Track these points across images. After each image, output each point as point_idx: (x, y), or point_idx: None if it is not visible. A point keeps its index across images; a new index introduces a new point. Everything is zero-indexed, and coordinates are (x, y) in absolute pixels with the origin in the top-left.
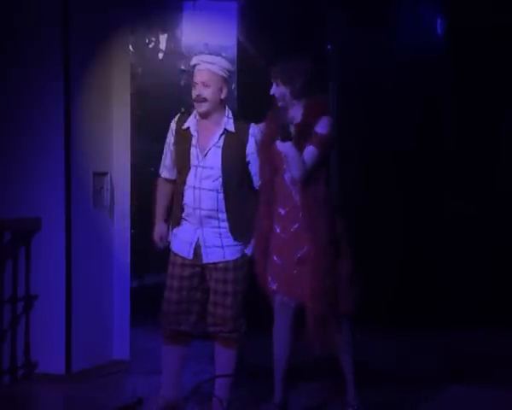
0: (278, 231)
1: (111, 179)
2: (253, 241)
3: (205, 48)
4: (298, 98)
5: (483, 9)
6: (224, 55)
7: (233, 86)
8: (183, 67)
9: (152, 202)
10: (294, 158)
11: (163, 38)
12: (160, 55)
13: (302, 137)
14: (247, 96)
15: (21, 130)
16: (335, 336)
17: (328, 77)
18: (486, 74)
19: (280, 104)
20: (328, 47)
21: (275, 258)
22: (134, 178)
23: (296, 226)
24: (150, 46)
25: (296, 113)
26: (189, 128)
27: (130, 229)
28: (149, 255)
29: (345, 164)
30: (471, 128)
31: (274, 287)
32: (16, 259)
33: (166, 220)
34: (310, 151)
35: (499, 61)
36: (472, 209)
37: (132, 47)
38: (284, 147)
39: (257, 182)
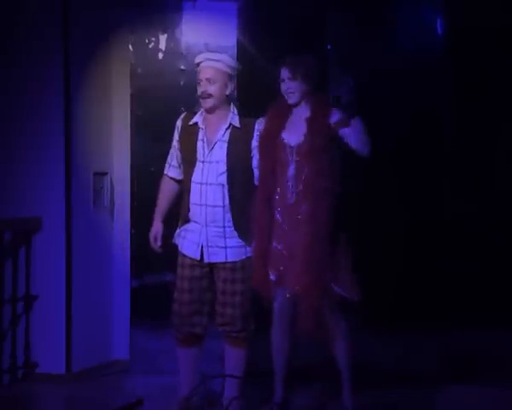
0: (280, 219)
1: (111, 179)
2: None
3: (205, 48)
4: (310, 96)
5: (483, 9)
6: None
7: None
8: (183, 67)
9: (152, 201)
10: (363, 130)
11: (163, 38)
12: (160, 55)
13: (316, 131)
14: (247, 96)
15: (21, 130)
16: (331, 329)
17: (328, 77)
18: (487, 74)
19: (292, 101)
20: (328, 47)
21: (276, 247)
22: (134, 178)
23: (299, 217)
24: (150, 46)
25: (304, 109)
26: (196, 123)
27: (130, 229)
28: (149, 255)
29: (344, 164)
30: (471, 128)
31: (273, 278)
32: (16, 259)
33: (164, 221)
34: (358, 121)
35: (499, 61)
36: (472, 209)
37: (132, 47)
38: (356, 122)
39: (257, 176)
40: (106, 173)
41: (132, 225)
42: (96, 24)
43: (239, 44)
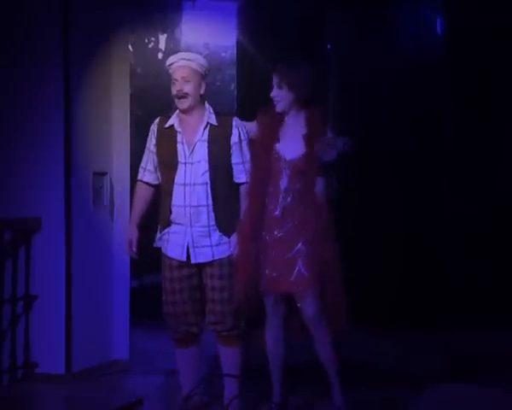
0: (265, 233)
1: (111, 179)
2: (235, 237)
3: (205, 48)
4: (301, 106)
5: (483, 9)
6: (223, 55)
7: (232, 86)
8: None
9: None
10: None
11: (163, 38)
12: (160, 55)
13: (314, 150)
14: (247, 96)
15: (21, 130)
16: (317, 338)
17: (328, 77)
18: (486, 74)
19: (278, 109)
20: (328, 47)
21: (261, 258)
22: (134, 178)
23: (287, 228)
24: (150, 46)
25: (298, 121)
26: (172, 126)
27: None
28: (149, 255)
29: (344, 164)
30: (471, 128)
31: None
32: (16, 259)
33: (139, 226)
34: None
35: (499, 60)
36: (472, 209)
37: (132, 47)
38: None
39: (237, 172)
40: (105, 173)
41: None
42: (96, 24)
43: (239, 44)
